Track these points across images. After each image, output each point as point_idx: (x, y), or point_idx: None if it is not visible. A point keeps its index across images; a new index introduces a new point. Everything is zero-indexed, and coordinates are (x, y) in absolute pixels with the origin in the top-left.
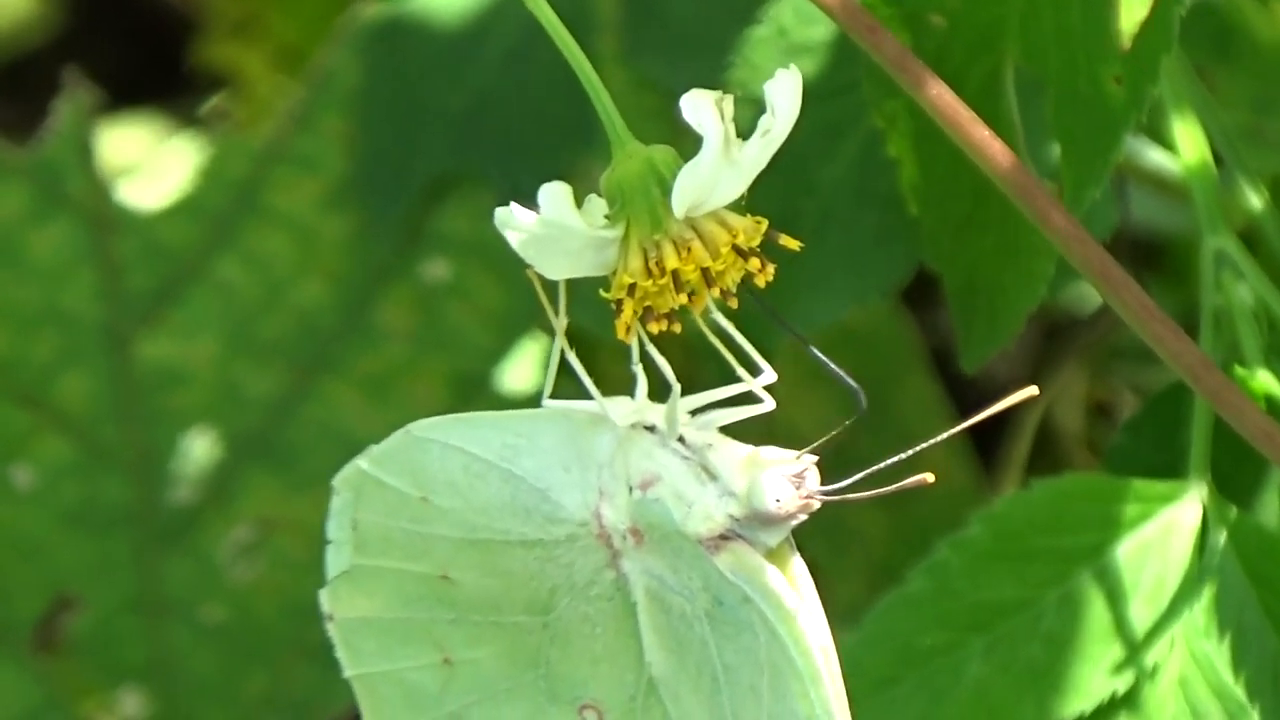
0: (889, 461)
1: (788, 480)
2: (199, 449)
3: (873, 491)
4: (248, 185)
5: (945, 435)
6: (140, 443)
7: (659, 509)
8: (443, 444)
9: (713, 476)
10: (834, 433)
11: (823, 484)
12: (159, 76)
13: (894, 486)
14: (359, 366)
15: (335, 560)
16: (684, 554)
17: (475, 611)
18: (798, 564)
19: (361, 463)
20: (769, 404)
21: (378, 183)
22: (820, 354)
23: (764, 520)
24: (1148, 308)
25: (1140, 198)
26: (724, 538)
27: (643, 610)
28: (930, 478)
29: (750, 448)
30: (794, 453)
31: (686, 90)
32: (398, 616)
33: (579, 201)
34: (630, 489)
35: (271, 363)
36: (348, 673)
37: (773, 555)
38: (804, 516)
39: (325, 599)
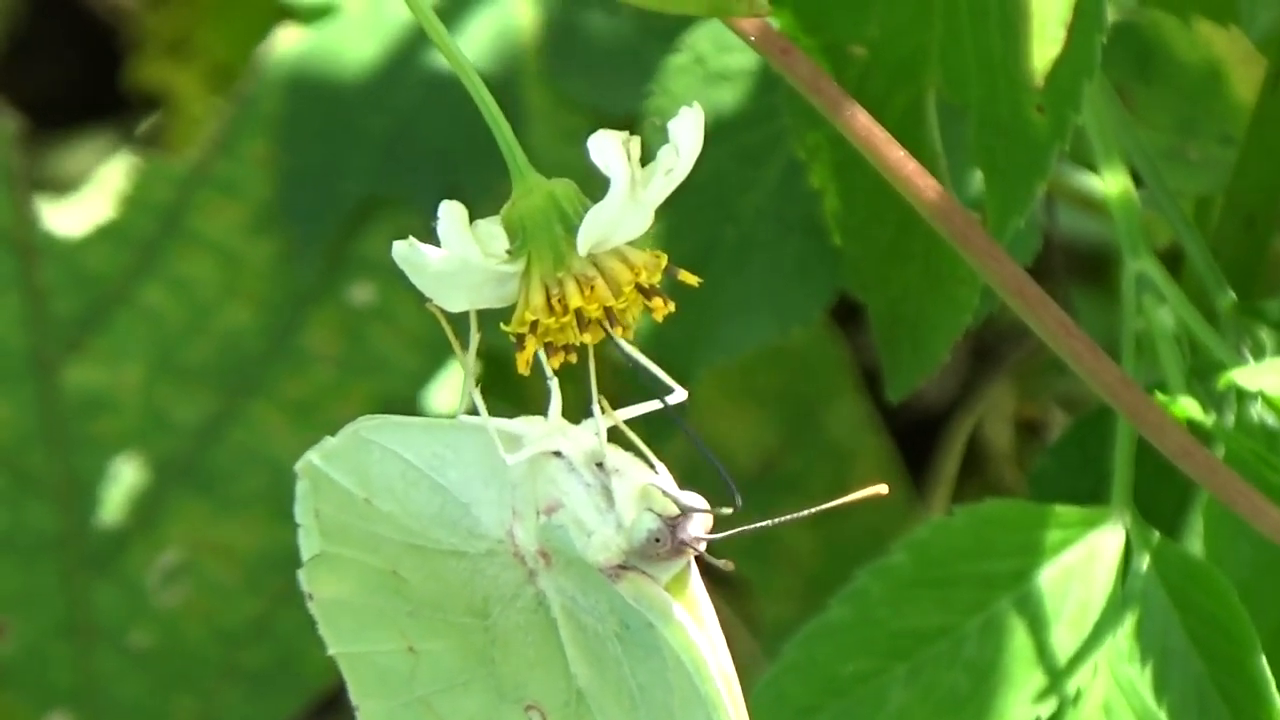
0: (791, 517)
1: (665, 523)
2: (125, 474)
3: (765, 524)
4: (172, 210)
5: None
6: (66, 469)
7: (562, 535)
8: (383, 447)
9: (611, 506)
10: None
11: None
12: (101, 95)
13: (778, 520)
14: (285, 390)
15: (306, 543)
16: (589, 579)
17: (425, 608)
18: (698, 590)
19: (313, 457)
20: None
21: (302, 207)
22: (700, 442)
23: (646, 557)
24: (1065, 325)
25: (1071, 212)
26: (622, 567)
27: (562, 626)
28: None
29: (649, 478)
30: (688, 494)
31: (609, 110)
32: (365, 602)
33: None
34: (537, 513)
35: (197, 388)
36: (330, 650)
37: (670, 583)
38: (683, 560)
39: (303, 578)
